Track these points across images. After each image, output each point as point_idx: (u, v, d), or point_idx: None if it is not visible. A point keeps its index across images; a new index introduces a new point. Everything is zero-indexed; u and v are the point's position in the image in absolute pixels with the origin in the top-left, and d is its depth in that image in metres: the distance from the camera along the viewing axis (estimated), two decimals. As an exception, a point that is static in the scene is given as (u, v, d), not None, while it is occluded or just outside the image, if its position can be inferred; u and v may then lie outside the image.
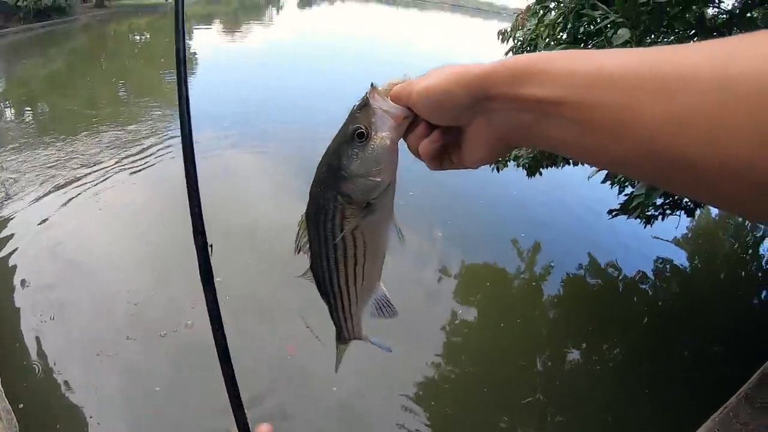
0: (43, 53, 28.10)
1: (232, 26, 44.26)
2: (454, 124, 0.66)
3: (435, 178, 9.82)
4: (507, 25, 6.37)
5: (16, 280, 6.04)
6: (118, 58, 27.06)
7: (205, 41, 33.79)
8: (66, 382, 4.66)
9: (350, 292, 0.84)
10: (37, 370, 4.77)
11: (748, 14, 4.22)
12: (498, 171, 6.83)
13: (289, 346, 5.20)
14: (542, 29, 5.26)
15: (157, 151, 10.84)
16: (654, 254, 8.49)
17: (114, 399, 4.55)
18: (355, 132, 0.71)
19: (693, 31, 4.10)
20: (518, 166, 6.54)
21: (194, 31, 39.77)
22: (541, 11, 5.26)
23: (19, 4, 35.97)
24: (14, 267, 6.31)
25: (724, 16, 4.28)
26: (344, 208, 0.75)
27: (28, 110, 15.61)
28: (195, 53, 27.11)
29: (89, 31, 38.76)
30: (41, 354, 4.97)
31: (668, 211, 5.37)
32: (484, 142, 0.64)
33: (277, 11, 63.72)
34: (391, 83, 0.73)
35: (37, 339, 5.15)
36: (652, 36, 4.03)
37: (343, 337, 0.97)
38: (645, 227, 5.52)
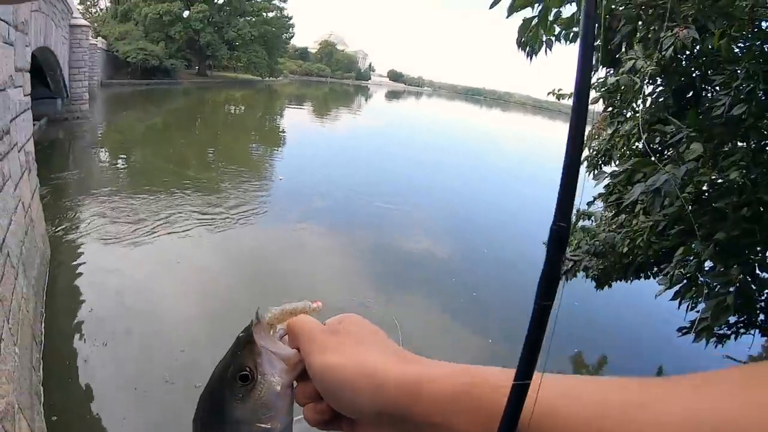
0: (143, 108, 29.55)
1: (321, 110, 44.98)
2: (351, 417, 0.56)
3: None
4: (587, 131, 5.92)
5: (84, 308, 6.41)
6: (211, 125, 27.87)
7: (297, 120, 34.52)
8: (100, 406, 4.82)
9: None
10: (78, 388, 4.98)
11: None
12: (567, 280, 6.35)
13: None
14: (617, 140, 5.23)
15: (237, 217, 11.23)
16: None
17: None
18: (237, 374, 0.59)
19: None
20: (587, 277, 6.16)
21: (286, 109, 41.02)
22: (616, 123, 5.23)
23: (128, 59, 39.93)
24: (85, 298, 6.65)
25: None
26: None
27: (122, 159, 16.23)
28: (284, 131, 27.94)
29: (189, 96, 40.78)
30: (85, 375, 5.20)
31: (741, 330, 4.92)
32: None
33: (366, 100, 65.38)
34: (284, 310, 0.63)
35: (85, 361, 5.39)
36: (727, 147, 3.79)
37: None
38: (716, 347, 5.01)
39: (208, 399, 0.63)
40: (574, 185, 0.40)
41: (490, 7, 3.46)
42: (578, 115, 0.41)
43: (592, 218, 6.45)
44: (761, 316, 4.66)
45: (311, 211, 12.48)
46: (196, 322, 6.60)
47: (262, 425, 0.59)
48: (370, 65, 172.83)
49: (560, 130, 56.18)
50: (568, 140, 0.41)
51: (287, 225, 11.31)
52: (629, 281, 6.11)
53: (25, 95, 5.83)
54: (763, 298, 3.80)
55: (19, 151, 5.23)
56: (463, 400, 0.45)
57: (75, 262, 7.72)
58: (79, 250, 8.19)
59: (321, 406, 0.58)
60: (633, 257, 5.20)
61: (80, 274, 7.38)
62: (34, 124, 7.01)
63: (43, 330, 5.48)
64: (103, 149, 17.13)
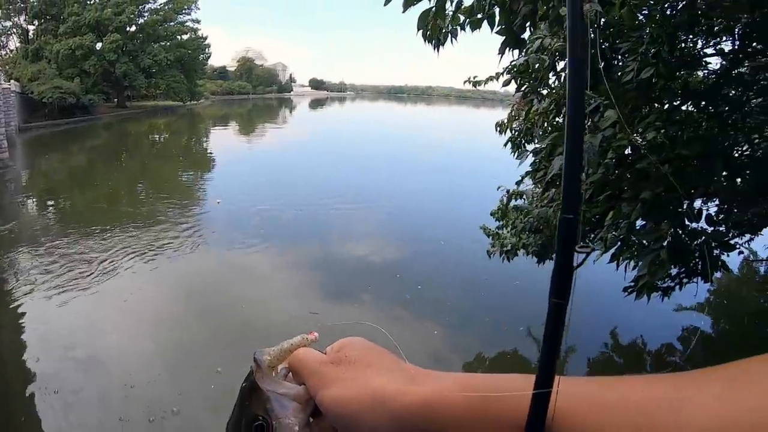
0: (65, 149, 29.19)
1: (247, 127, 45.39)
2: None
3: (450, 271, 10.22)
4: (507, 114, 6.39)
5: (32, 363, 6.45)
6: (137, 156, 27.99)
7: (223, 141, 35.05)
8: None
9: None
10: None
11: (734, 72, 4.30)
12: (509, 260, 6.70)
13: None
14: (536, 117, 5.25)
15: (178, 246, 11.34)
16: (678, 324, 8.12)
17: None
18: (252, 426, 0.58)
19: (679, 101, 4.17)
20: (528, 254, 6.43)
21: (211, 131, 41.22)
22: (533, 102, 5.17)
23: (44, 100, 38.61)
24: (31, 355, 6.67)
25: (713, 77, 4.34)
26: None
27: (50, 204, 16.02)
28: (212, 153, 28.53)
29: (110, 129, 40.34)
30: (43, 426, 5.35)
31: (685, 280, 4.96)
32: None
33: (290, 111, 65.64)
34: (282, 349, 0.63)
35: (44, 409, 5.55)
36: (643, 110, 4.02)
37: None
38: (663, 300, 5.22)
39: None
40: (578, 176, 0.41)
41: (385, 5, 3.42)
42: (575, 103, 0.41)
43: (524, 196, 6.37)
44: (700, 264, 4.40)
45: (253, 230, 12.66)
46: (146, 357, 6.62)
47: None
48: (290, 76, 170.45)
49: (485, 117, 55.42)
50: (567, 130, 0.41)
51: (231, 247, 11.40)
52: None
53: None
54: (697, 246, 3.75)
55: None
56: (476, 416, 0.45)
57: (13, 322, 7.69)
58: (16, 308, 8.10)
59: None
60: None
61: (20, 330, 7.43)
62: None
63: None
64: (30, 197, 17.25)
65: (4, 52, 52.94)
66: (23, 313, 7.90)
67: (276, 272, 10.21)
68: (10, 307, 8.11)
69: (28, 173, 21.28)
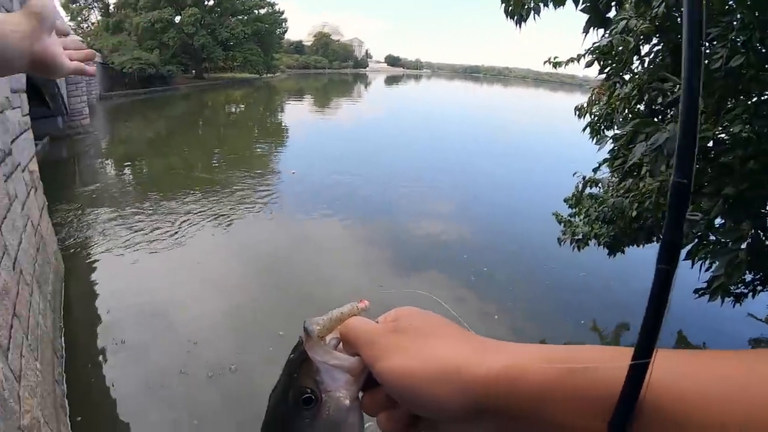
0: (145, 117, 29.68)
1: (321, 101, 44.84)
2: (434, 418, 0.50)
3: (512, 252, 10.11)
4: (587, 99, 6.29)
5: (102, 316, 6.70)
6: (214, 126, 28.04)
7: (298, 114, 34.70)
8: (121, 402, 5.08)
9: None
10: (99, 387, 5.28)
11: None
12: (579, 250, 6.52)
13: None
14: (617, 103, 5.10)
15: (252, 212, 11.71)
16: (748, 334, 7.57)
17: (155, 424, 4.88)
18: (300, 398, 0.54)
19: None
20: (599, 244, 6.27)
21: (286, 104, 40.96)
22: (616, 85, 5.08)
23: (125, 70, 39.93)
24: (102, 307, 6.92)
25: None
26: None
27: (128, 168, 16.48)
28: (286, 125, 28.13)
29: (188, 100, 40.90)
30: (107, 371, 5.56)
31: (759, 287, 4.96)
32: None
33: (365, 87, 65.09)
34: (332, 318, 0.57)
35: (106, 364, 5.70)
36: (729, 102, 3.77)
37: None
38: (734, 306, 5.09)
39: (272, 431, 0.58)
40: (693, 138, 0.38)
41: None
42: (690, 65, 0.38)
43: (599, 185, 6.36)
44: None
45: (325, 202, 12.54)
46: (212, 317, 6.76)
47: None
48: (366, 52, 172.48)
49: (563, 102, 55.33)
50: (683, 89, 0.38)
51: (303, 217, 11.46)
52: (641, 245, 6.06)
53: (23, 116, 5.93)
54: (778, 251, 3.58)
55: (23, 171, 5.33)
56: (560, 388, 0.41)
57: (90, 274, 7.95)
58: (94, 262, 8.42)
59: (398, 413, 0.53)
60: (643, 221, 5.15)
61: (96, 284, 7.64)
62: (36, 144, 7.14)
63: (63, 344, 5.63)
64: (109, 161, 17.35)
65: (86, 25, 54.49)
66: (101, 268, 8.21)
67: (345, 244, 10.31)
68: (89, 260, 8.46)
69: (107, 139, 21.56)
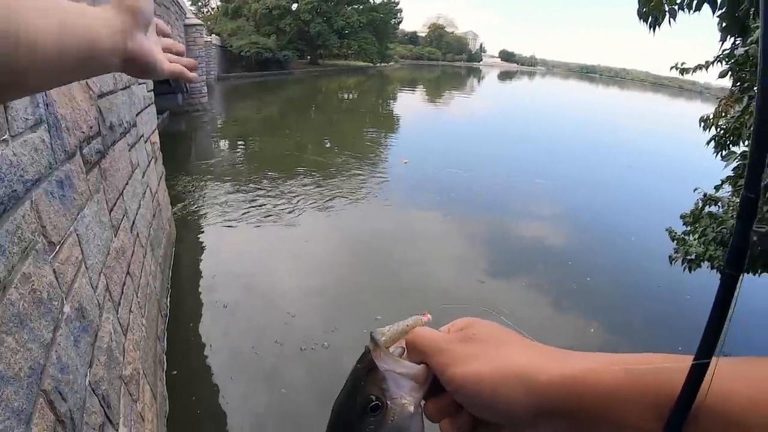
0: (259, 98, 30.26)
1: (434, 93, 44.61)
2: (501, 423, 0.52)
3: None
4: (710, 108, 5.79)
5: (206, 281, 6.99)
6: (326, 111, 28.14)
7: (410, 104, 34.36)
8: (214, 364, 5.27)
9: None
10: (197, 347, 5.51)
11: None
12: (690, 271, 5.93)
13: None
14: (747, 117, 4.69)
15: (358, 197, 11.63)
16: None
17: (245, 387, 4.98)
18: (367, 406, 0.55)
19: None
20: (712, 268, 5.61)
21: (399, 93, 41.16)
22: (746, 98, 4.65)
23: (242, 53, 41.76)
24: (207, 273, 7.24)
25: None
26: None
27: (241, 146, 16.77)
28: (398, 115, 27.76)
29: (302, 84, 41.70)
30: (206, 332, 5.80)
31: None
32: None
33: (478, 81, 64.28)
34: (397, 330, 0.60)
35: (205, 326, 5.94)
36: None
37: None
38: None
39: None
40: (763, 157, 0.38)
41: None
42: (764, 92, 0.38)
43: (719, 204, 5.88)
44: None
45: (433, 194, 12.32)
46: (311, 295, 6.87)
47: None
48: (481, 46, 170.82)
49: (683, 110, 52.09)
50: (756, 109, 0.38)
51: (410, 207, 11.37)
52: (758, 274, 5.49)
53: (148, 91, 6.21)
54: None
55: (145, 142, 5.53)
56: (627, 390, 0.43)
57: (200, 242, 8.36)
58: (204, 231, 8.85)
59: (461, 418, 0.55)
60: (764, 247, 4.62)
61: (204, 251, 8.04)
62: (157, 118, 7.43)
63: (168, 304, 5.95)
64: (223, 138, 17.84)
65: (206, 10, 58.08)
66: (210, 237, 8.63)
67: (448, 237, 9.98)
68: (200, 229, 8.92)
69: (223, 117, 22.15)
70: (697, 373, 0.38)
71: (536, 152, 19.32)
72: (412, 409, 0.55)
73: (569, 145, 22.29)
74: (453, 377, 0.52)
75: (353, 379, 0.58)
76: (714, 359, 0.38)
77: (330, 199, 11.07)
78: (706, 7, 3.72)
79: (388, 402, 0.55)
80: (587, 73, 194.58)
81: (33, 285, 1.59)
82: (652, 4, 3.62)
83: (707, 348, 0.39)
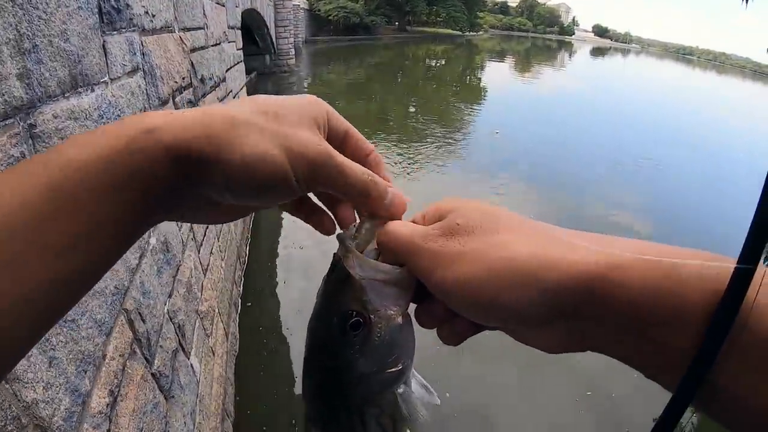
0: (346, 62, 30.61)
1: (523, 65, 43.49)
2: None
3: None
4: None
5: (285, 231, 7.18)
6: (412, 78, 27.99)
7: (498, 76, 33.70)
8: (284, 306, 5.49)
9: None
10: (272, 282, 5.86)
11: None
12: None
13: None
14: None
15: (439, 164, 11.43)
16: None
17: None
18: (347, 324, 0.47)
19: None
20: None
21: (487, 64, 40.42)
22: None
23: (330, 18, 42.26)
24: (286, 223, 7.40)
25: None
26: (362, 413, 0.51)
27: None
28: (485, 85, 27.21)
29: (389, 51, 41.63)
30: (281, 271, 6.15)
31: None
32: (550, 339, 0.42)
33: (569, 56, 62.20)
34: (369, 228, 0.50)
35: (282, 271, 6.17)
36: None
37: None
38: None
39: (318, 368, 0.53)
40: None
41: None
42: None
43: None
44: None
45: (522, 167, 12.10)
46: None
47: (392, 369, 0.49)
48: (573, 19, 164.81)
49: None
50: None
51: (491, 179, 11.00)
52: None
53: (237, 49, 6.44)
54: None
55: (233, 98, 5.78)
56: (663, 286, 0.34)
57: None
58: None
59: (459, 326, 0.46)
60: None
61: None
62: (246, 77, 7.67)
63: (247, 252, 6.14)
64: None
65: None
66: None
67: (530, 213, 9.06)
68: None
69: (310, 79, 22.58)
70: (743, 278, 0.32)
71: (630, 139, 18.27)
72: (400, 320, 0.49)
73: (671, 136, 21.20)
74: (442, 282, 0.43)
75: (325, 293, 0.51)
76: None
77: (412, 165, 11.03)
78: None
79: (372, 316, 0.48)
80: (684, 55, 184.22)
81: (124, 215, 1.78)
82: None
83: (752, 253, 0.33)
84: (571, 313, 0.38)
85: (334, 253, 0.50)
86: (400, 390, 0.52)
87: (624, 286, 0.35)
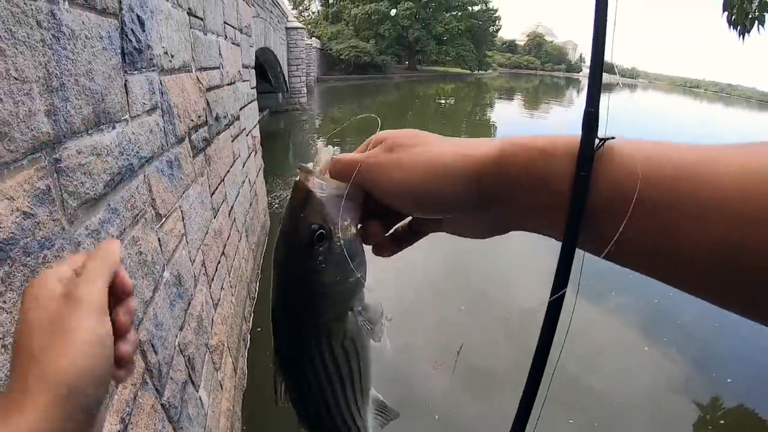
0: (357, 101, 31.01)
1: (531, 103, 43.71)
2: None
3: None
4: None
5: None
6: (423, 116, 28.24)
7: (507, 113, 33.90)
8: None
9: (355, 415, 0.68)
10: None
11: None
12: None
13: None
14: None
15: None
16: None
17: None
18: (312, 237, 0.53)
19: None
20: None
21: (496, 102, 40.75)
22: None
23: (341, 57, 43.06)
24: None
25: None
26: (329, 327, 0.58)
27: (338, 145, 16.40)
28: (494, 123, 27.52)
29: (400, 89, 42.07)
30: None
31: None
32: (476, 225, 0.52)
33: (577, 93, 62.61)
34: (321, 161, 0.55)
35: None
36: None
37: None
38: None
39: (288, 282, 0.58)
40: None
41: None
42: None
43: None
44: None
45: None
46: (385, 278, 6.75)
47: (351, 278, 0.55)
48: (580, 56, 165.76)
49: None
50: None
51: None
52: None
53: (251, 88, 6.57)
54: None
55: (247, 135, 5.85)
56: (538, 165, 0.43)
57: None
58: None
59: (397, 233, 0.58)
60: None
61: None
62: (258, 115, 7.79)
63: (257, 288, 6.12)
64: (321, 137, 18.13)
65: (306, 14, 60.34)
66: None
67: (536, 250, 8.85)
68: None
69: (321, 117, 22.79)
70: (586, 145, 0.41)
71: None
72: (354, 230, 0.54)
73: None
74: (387, 187, 0.51)
75: (290, 215, 0.55)
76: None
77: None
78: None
79: (332, 227, 0.53)
80: (691, 88, 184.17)
81: (140, 248, 1.81)
82: (735, 11, 3.47)
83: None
84: (491, 197, 0.45)
85: (295, 180, 0.54)
86: (359, 307, 0.58)
87: (516, 164, 0.43)
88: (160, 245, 2.05)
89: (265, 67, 16.89)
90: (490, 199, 0.46)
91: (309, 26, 48.66)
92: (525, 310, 6.50)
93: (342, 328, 0.58)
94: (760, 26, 3.56)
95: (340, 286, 0.55)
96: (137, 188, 1.82)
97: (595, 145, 0.41)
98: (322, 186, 0.54)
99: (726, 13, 3.55)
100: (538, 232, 0.48)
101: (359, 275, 0.55)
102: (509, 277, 8.09)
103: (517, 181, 0.43)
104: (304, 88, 22.78)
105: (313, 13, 60.26)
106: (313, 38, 38.38)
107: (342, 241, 0.53)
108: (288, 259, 0.57)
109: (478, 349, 5.40)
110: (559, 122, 31.64)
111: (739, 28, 3.60)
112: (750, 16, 3.51)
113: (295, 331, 0.59)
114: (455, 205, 0.48)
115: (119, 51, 1.71)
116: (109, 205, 1.55)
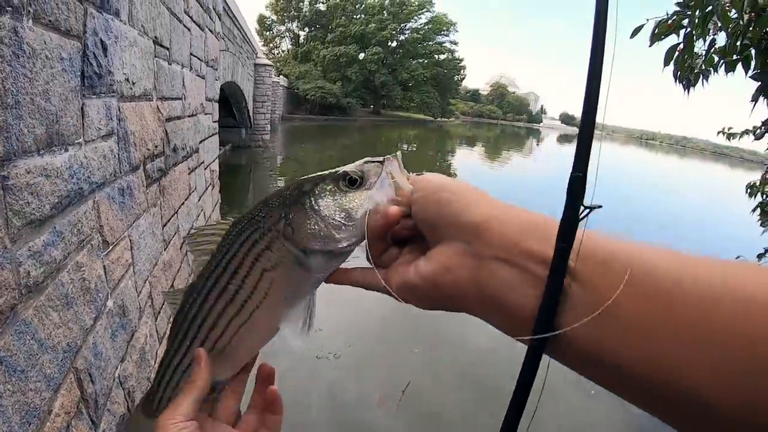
0: (320, 141, 31.04)
1: (492, 152, 44.50)
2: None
3: None
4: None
5: None
6: None
7: (468, 161, 34.42)
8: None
9: (213, 337, 0.67)
10: None
11: None
12: None
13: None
14: None
15: None
16: None
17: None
18: (347, 175, 0.57)
19: None
20: None
21: (457, 149, 41.35)
22: None
23: (307, 97, 43.18)
24: None
25: None
26: (278, 238, 0.58)
27: None
28: (456, 170, 27.96)
29: (363, 133, 42.34)
30: None
31: None
32: (455, 266, 0.51)
33: (537, 143, 64.07)
34: (401, 176, 0.59)
35: None
36: None
37: (150, 407, 0.78)
38: None
39: (305, 181, 0.60)
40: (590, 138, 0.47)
41: (631, 36, 3.24)
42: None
43: None
44: None
45: None
46: (355, 318, 6.80)
47: (332, 231, 0.56)
48: (541, 108, 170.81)
49: (740, 180, 49.17)
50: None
51: None
52: None
53: (213, 121, 6.51)
54: None
55: (205, 169, 5.78)
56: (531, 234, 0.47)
57: None
58: None
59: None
60: None
61: None
62: (220, 149, 7.72)
63: None
64: (281, 176, 18.14)
65: (276, 52, 60.81)
66: None
67: None
68: None
69: (283, 155, 22.85)
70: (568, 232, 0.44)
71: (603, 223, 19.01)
72: (370, 207, 0.55)
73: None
74: (473, 218, 0.52)
75: (361, 162, 0.59)
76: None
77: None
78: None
79: (364, 188, 0.57)
80: (647, 140, 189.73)
81: (84, 274, 1.76)
82: (679, 64, 3.51)
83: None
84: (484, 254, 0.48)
85: (388, 156, 0.59)
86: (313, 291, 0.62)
87: (500, 231, 0.48)
88: (105, 273, 2.00)
89: (230, 101, 16.83)
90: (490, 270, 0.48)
91: (278, 64, 48.93)
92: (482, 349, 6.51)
93: (281, 256, 0.58)
94: (705, 81, 3.64)
95: (320, 223, 0.56)
96: (85, 213, 1.79)
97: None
98: (393, 169, 0.58)
99: (671, 67, 3.63)
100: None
101: (337, 236, 0.56)
102: (468, 319, 7.81)
103: (500, 244, 0.49)
104: (268, 126, 22.83)
105: (283, 51, 60.82)
106: (281, 76, 38.41)
107: (354, 201, 0.57)
108: (324, 173, 0.60)
109: (426, 390, 5.32)
110: (517, 171, 32.32)
111: (684, 82, 3.68)
112: (696, 71, 3.60)
113: (262, 210, 0.61)
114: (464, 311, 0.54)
115: (79, 74, 1.70)
116: (55, 227, 1.53)
